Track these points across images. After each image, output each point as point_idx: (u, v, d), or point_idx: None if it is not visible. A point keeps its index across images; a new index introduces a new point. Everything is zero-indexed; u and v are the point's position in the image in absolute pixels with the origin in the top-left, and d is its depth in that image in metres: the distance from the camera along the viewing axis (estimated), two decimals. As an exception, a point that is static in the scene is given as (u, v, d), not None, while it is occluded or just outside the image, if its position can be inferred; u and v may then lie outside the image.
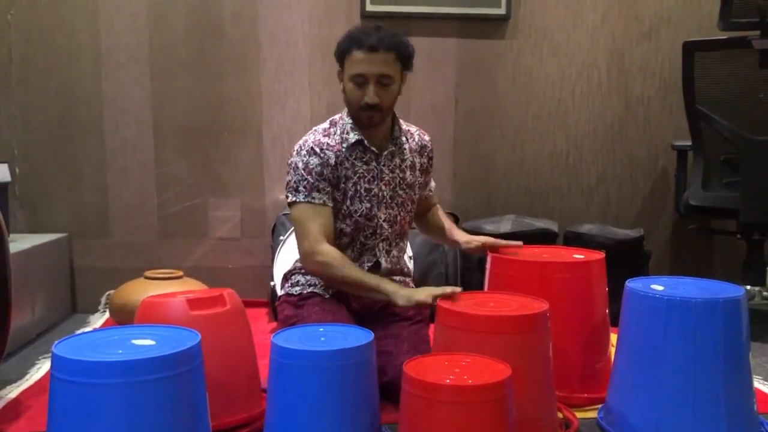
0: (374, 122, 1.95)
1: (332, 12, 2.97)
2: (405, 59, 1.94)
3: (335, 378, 1.47)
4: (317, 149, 1.95)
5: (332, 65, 2.93)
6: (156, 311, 1.64)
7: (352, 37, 1.91)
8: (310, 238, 1.91)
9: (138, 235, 2.98)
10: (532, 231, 2.79)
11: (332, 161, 1.95)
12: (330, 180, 1.96)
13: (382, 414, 1.61)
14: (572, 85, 3.12)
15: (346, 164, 1.97)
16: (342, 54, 1.93)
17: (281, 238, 2.77)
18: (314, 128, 2.05)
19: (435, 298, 1.72)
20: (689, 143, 2.77)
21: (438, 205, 2.28)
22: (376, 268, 2.05)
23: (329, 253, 1.90)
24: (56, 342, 1.29)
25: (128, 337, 1.34)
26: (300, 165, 1.94)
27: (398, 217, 2.06)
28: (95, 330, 1.40)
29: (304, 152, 1.95)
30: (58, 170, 2.91)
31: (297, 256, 2.17)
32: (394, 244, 2.10)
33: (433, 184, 2.26)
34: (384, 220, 2.03)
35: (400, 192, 2.05)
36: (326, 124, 2.05)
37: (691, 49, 2.59)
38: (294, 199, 1.94)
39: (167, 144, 2.96)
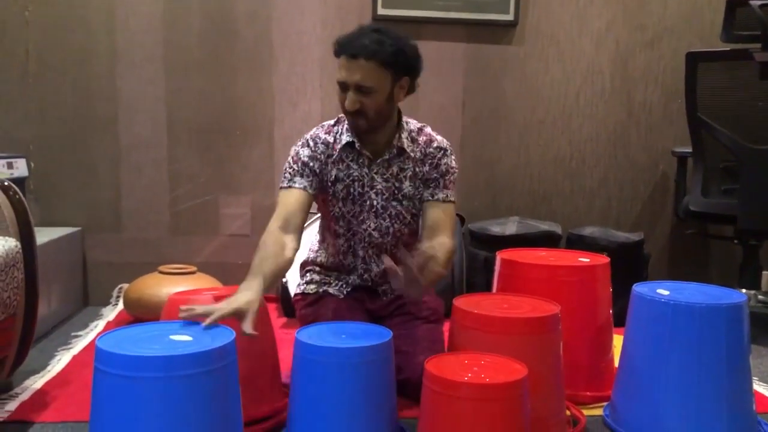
0: (360, 128, 1.91)
1: (344, 15, 3.03)
2: (396, 66, 1.85)
3: (358, 374, 1.54)
4: (311, 142, 1.98)
5: (344, 67, 3.04)
6: (183, 307, 1.70)
7: (341, 40, 1.86)
8: (270, 223, 1.87)
9: (150, 231, 3.04)
10: (536, 233, 2.87)
11: (323, 157, 1.96)
12: (316, 173, 1.96)
13: (399, 409, 1.68)
14: (577, 90, 3.20)
15: (340, 165, 1.98)
16: (336, 55, 1.88)
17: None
18: (322, 123, 2.06)
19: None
20: (689, 150, 2.85)
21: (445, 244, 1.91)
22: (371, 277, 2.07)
23: (264, 238, 1.82)
24: (99, 336, 1.36)
25: (166, 333, 1.41)
26: (292, 153, 1.99)
27: (391, 229, 2.03)
28: (134, 325, 1.46)
29: (300, 143, 2.00)
30: (72, 166, 2.97)
31: (309, 249, 2.23)
32: (387, 252, 2.05)
33: (441, 194, 2.00)
34: (374, 229, 2.02)
35: (395, 203, 2.01)
36: (333, 121, 2.05)
37: (694, 60, 2.66)
38: (280, 185, 1.97)
39: (180, 142, 3.02)
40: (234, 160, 3.05)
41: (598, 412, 1.91)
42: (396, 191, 2.00)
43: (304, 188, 1.93)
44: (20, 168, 2.71)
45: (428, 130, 2.07)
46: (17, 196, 1.91)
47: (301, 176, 1.94)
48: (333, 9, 3.03)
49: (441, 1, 3.05)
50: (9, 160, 2.66)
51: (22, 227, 1.88)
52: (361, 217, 2.01)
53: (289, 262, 1.83)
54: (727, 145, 2.63)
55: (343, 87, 1.86)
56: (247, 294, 1.57)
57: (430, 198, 2.01)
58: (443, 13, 3.06)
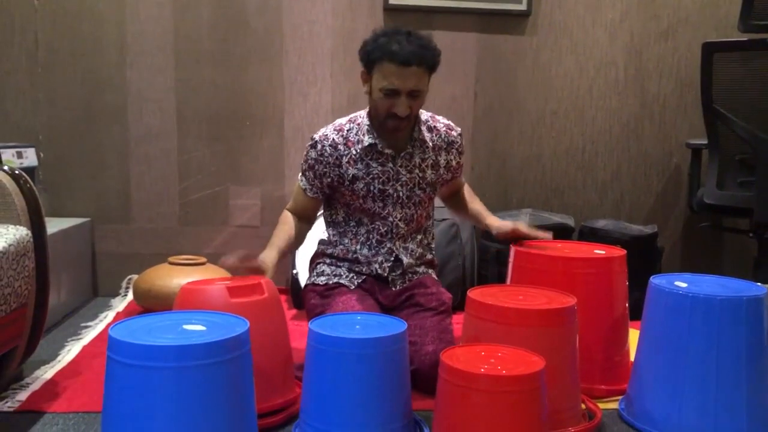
0: (400, 129, 1.97)
1: (355, 5, 3.00)
2: (434, 68, 1.95)
3: (373, 365, 1.52)
4: (319, 145, 2.03)
5: (355, 58, 2.97)
6: (196, 298, 1.68)
7: (383, 47, 1.88)
8: (288, 206, 2.16)
9: (159, 222, 3.03)
10: (549, 225, 2.84)
11: (331, 159, 2.02)
12: (322, 177, 2.04)
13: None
14: (590, 81, 3.17)
15: (359, 165, 2.01)
16: (371, 61, 1.92)
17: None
18: (335, 120, 2.10)
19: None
20: (703, 142, 2.82)
21: (466, 185, 2.33)
22: (398, 264, 2.10)
23: (281, 217, 2.12)
24: (112, 325, 1.34)
25: (179, 323, 1.39)
26: (305, 152, 2.08)
27: (415, 216, 2.10)
28: (147, 314, 1.44)
29: (310, 142, 2.06)
30: (81, 156, 2.95)
31: (319, 243, 2.24)
32: (410, 239, 2.14)
33: (461, 177, 2.29)
34: (400, 219, 2.07)
35: (418, 192, 2.08)
36: (344, 120, 2.08)
37: (710, 50, 2.62)
38: (298, 175, 2.14)
39: (190, 132, 3.00)
40: (244, 151, 3.03)
41: (614, 405, 1.88)
42: (420, 180, 2.07)
43: (305, 191, 2.09)
44: (29, 158, 2.70)
45: (438, 117, 2.17)
46: (28, 185, 1.90)
47: (306, 179, 2.09)
48: (344, -2, 3.00)
49: (453, -10, 3.02)
50: (18, 149, 2.65)
51: (33, 216, 1.87)
52: (387, 210, 2.05)
53: (301, 239, 2.13)
54: (744, 137, 2.59)
55: (393, 93, 1.90)
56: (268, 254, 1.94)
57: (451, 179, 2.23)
58: (455, 2, 3.02)
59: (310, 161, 2.05)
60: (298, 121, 3.03)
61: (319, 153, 2.02)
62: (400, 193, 2.05)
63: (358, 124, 2.05)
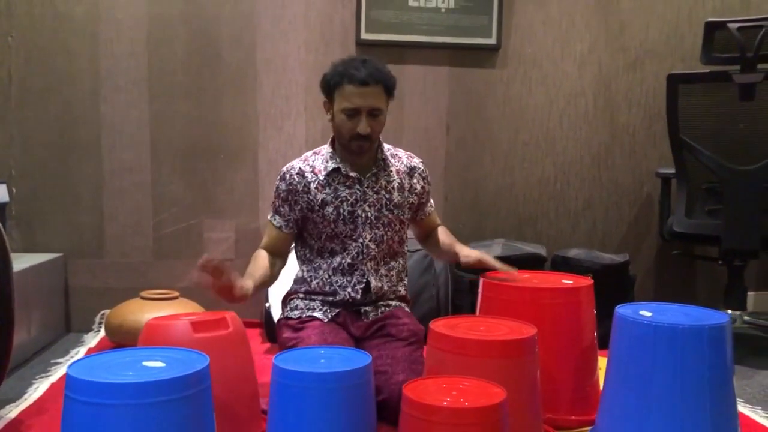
0: (364, 150, 2.06)
1: (328, 40, 3.04)
2: (390, 90, 2.05)
3: (336, 399, 1.52)
4: (287, 176, 2.11)
5: (328, 91, 3.04)
6: (160, 333, 1.68)
7: (342, 72, 2.00)
8: (261, 244, 2.18)
9: (133, 256, 3.01)
10: (521, 255, 2.86)
11: (300, 187, 2.09)
12: (294, 205, 2.10)
13: (379, 434, 1.66)
14: (560, 113, 3.21)
15: (327, 189, 2.08)
16: (331, 87, 2.03)
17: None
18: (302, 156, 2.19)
19: None
20: (673, 171, 2.86)
21: (442, 227, 2.34)
22: (366, 289, 2.12)
23: (256, 254, 2.14)
24: (70, 363, 1.33)
25: (139, 359, 1.38)
26: (275, 188, 2.14)
27: (385, 237, 2.13)
28: (107, 351, 1.43)
29: (279, 177, 2.14)
30: (54, 190, 2.95)
31: (292, 277, 2.24)
32: (382, 263, 2.16)
33: (431, 203, 2.33)
34: (370, 240, 2.11)
35: (386, 213, 2.12)
36: (309, 152, 2.18)
37: (675, 82, 2.67)
38: (268, 215, 2.20)
39: (164, 165, 3.00)
40: (218, 184, 3.04)
41: (583, 436, 1.89)
42: (387, 202, 2.12)
43: (280, 228, 2.14)
44: (1, 193, 2.69)
45: (398, 149, 2.26)
46: (-6, 222, 1.89)
47: (280, 215, 2.14)
48: (317, 33, 3.04)
49: (424, 25, 3.07)
50: (-11, 185, 2.64)
51: (-3, 253, 1.86)
52: (357, 233, 2.10)
53: (275, 276, 2.14)
54: (710, 166, 2.64)
55: (354, 113, 2.00)
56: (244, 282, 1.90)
57: (431, 209, 2.32)
58: (427, 37, 3.07)
59: (282, 194, 2.11)
60: (273, 153, 3.05)
61: (288, 183, 2.10)
62: (369, 214, 2.10)
63: (322, 154, 2.14)
